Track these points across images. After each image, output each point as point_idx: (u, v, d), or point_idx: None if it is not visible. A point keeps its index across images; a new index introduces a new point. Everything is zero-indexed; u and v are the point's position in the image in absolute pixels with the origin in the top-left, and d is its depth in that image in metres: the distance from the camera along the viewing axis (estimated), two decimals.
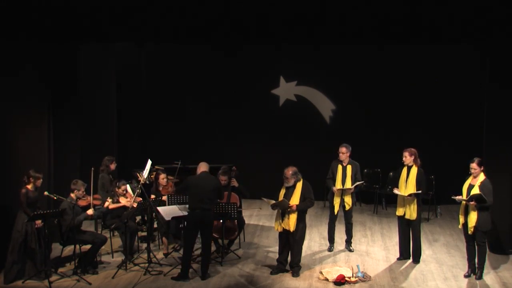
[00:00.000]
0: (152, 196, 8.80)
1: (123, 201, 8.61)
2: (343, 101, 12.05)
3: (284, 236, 7.94)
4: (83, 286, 7.59)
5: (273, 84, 12.20)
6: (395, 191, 8.38)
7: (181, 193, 8.35)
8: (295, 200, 7.77)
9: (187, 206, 7.89)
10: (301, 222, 7.84)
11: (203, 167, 7.96)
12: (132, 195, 8.80)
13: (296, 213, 7.75)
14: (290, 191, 7.83)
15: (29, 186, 7.65)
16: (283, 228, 7.85)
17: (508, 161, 8.72)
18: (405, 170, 8.34)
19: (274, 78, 12.19)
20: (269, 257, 8.69)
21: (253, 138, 12.13)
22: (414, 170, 8.26)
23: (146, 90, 12.42)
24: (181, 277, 7.74)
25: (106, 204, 8.36)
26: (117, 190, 8.83)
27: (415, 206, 8.24)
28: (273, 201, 7.84)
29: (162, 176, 9.13)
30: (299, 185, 7.82)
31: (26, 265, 7.63)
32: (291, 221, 7.76)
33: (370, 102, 11.82)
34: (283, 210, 7.84)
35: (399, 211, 8.37)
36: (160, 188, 9.05)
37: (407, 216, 8.29)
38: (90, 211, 7.95)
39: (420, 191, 8.19)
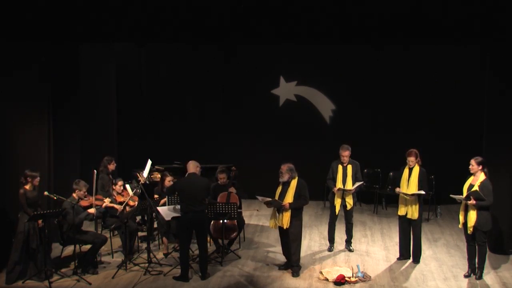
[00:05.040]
0: (156, 196, 8.80)
1: (116, 205, 8.60)
2: (343, 101, 12.06)
3: (283, 234, 7.99)
4: (83, 286, 7.59)
5: (273, 84, 12.21)
6: (398, 190, 8.37)
7: (170, 194, 8.33)
8: (288, 197, 7.80)
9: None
10: (295, 219, 7.86)
11: (191, 167, 7.85)
12: (130, 193, 8.80)
13: (290, 211, 7.79)
14: (285, 188, 7.87)
15: (27, 187, 7.66)
16: (278, 225, 7.91)
17: (508, 161, 8.72)
18: (407, 169, 8.34)
19: (274, 78, 12.19)
20: (269, 257, 8.70)
21: (253, 138, 12.14)
22: (416, 170, 8.26)
23: (146, 90, 12.43)
24: (182, 278, 7.74)
25: (104, 204, 8.37)
26: (114, 187, 8.86)
27: (417, 205, 8.24)
28: (267, 199, 7.88)
29: (169, 178, 9.10)
30: (294, 183, 7.85)
31: (28, 265, 7.64)
32: (285, 219, 7.81)
33: (370, 102, 11.82)
34: (278, 208, 7.88)
35: (401, 211, 8.37)
36: (165, 190, 9.03)
37: (409, 216, 8.29)
38: (91, 210, 7.95)
39: (423, 192, 8.20)
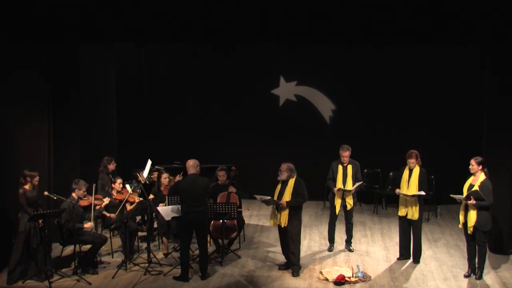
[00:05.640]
0: (152, 196, 8.79)
1: (109, 214, 8.62)
2: (343, 101, 12.06)
3: (283, 233, 8.02)
4: (83, 286, 7.59)
5: (273, 84, 12.21)
6: (398, 191, 8.37)
7: (172, 194, 8.33)
8: (286, 196, 7.84)
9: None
10: (294, 218, 7.88)
11: (191, 168, 7.84)
12: (129, 191, 8.80)
13: (288, 209, 7.82)
14: (283, 187, 7.92)
15: (27, 186, 7.66)
16: (278, 224, 7.96)
17: (508, 161, 8.72)
18: (407, 170, 8.33)
19: (274, 78, 12.19)
20: (269, 257, 8.70)
21: (253, 138, 12.14)
22: (416, 170, 8.26)
23: (146, 90, 12.43)
24: (182, 278, 7.75)
25: (104, 204, 8.37)
26: (113, 185, 8.87)
27: (418, 206, 8.24)
28: (265, 197, 7.92)
29: (165, 175, 9.13)
30: (292, 182, 7.89)
31: (29, 265, 7.64)
32: (283, 217, 7.86)
33: (370, 102, 11.82)
34: (276, 207, 7.94)
35: (401, 212, 8.37)
36: (162, 188, 9.05)
37: (409, 216, 8.29)
38: (88, 225, 7.95)
39: (423, 193, 8.19)
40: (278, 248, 8.48)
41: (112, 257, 8.62)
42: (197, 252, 8.19)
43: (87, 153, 9.86)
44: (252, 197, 8.37)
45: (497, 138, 8.82)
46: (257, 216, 10.95)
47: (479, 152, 8.50)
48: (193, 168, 7.81)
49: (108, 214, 8.62)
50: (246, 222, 9.57)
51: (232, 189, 8.89)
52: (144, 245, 8.63)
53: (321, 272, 7.94)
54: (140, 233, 9.12)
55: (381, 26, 8.63)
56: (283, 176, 7.92)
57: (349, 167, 8.86)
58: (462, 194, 7.72)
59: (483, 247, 7.71)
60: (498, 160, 8.66)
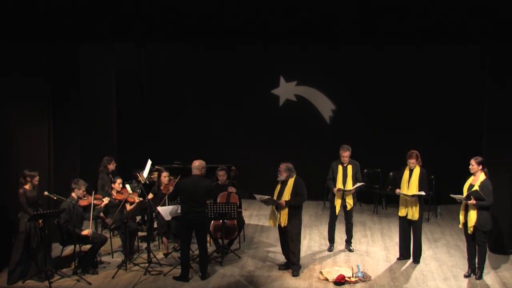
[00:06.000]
0: (150, 195, 8.78)
1: (107, 219, 8.64)
2: (343, 101, 12.05)
3: (283, 233, 8.03)
4: (83, 286, 7.59)
5: (273, 84, 12.21)
6: (398, 191, 8.37)
7: (173, 199, 8.32)
8: (286, 195, 7.86)
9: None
10: (294, 218, 7.90)
11: (195, 170, 7.81)
12: (129, 191, 8.81)
13: (287, 209, 7.84)
14: (283, 187, 7.94)
15: (27, 186, 7.66)
16: (278, 223, 7.98)
17: (508, 161, 8.72)
18: (407, 170, 8.33)
19: (274, 78, 12.19)
20: (269, 257, 8.70)
21: (253, 138, 12.14)
22: (417, 171, 8.26)
23: (146, 90, 12.43)
24: (182, 278, 7.75)
25: (103, 203, 8.38)
26: (113, 185, 8.88)
27: (418, 207, 8.24)
28: (264, 197, 7.93)
29: (164, 174, 9.13)
30: (291, 181, 7.91)
31: (29, 265, 7.65)
32: (283, 217, 7.88)
33: (370, 102, 11.82)
34: (276, 206, 7.97)
35: (402, 212, 8.37)
36: (162, 187, 9.05)
37: (409, 217, 8.29)
38: (86, 232, 7.93)
39: (424, 193, 8.19)
40: (278, 248, 8.49)
41: (112, 257, 8.62)
42: (197, 252, 8.18)
43: (87, 153, 9.86)
44: (252, 197, 8.36)
45: (497, 138, 8.82)
46: (257, 216, 10.95)
47: (479, 152, 8.50)
48: (197, 170, 7.80)
49: (105, 218, 8.62)
50: (246, 222, 9.57)
51: (231, 189, 8.89)
52: (144, 245, 8.64)
53: (321, 272, 7.94)
54: (140, 233, 9.13)
55: (381, 26, 8.63)
56: (282, 176, 7.94)
57: (349, 167, 8.86)
58: (462, 194, 7.72)
59: (483, 247, 7.71)
60: (498, 160, 8.65)
